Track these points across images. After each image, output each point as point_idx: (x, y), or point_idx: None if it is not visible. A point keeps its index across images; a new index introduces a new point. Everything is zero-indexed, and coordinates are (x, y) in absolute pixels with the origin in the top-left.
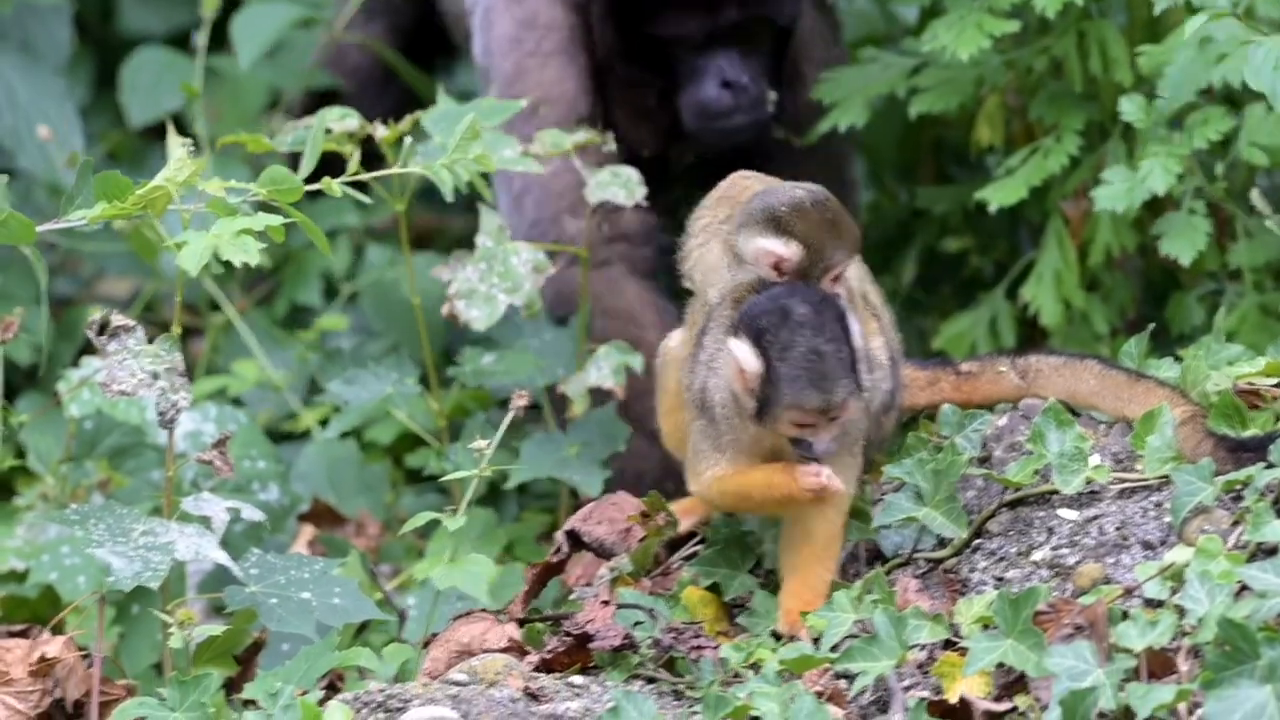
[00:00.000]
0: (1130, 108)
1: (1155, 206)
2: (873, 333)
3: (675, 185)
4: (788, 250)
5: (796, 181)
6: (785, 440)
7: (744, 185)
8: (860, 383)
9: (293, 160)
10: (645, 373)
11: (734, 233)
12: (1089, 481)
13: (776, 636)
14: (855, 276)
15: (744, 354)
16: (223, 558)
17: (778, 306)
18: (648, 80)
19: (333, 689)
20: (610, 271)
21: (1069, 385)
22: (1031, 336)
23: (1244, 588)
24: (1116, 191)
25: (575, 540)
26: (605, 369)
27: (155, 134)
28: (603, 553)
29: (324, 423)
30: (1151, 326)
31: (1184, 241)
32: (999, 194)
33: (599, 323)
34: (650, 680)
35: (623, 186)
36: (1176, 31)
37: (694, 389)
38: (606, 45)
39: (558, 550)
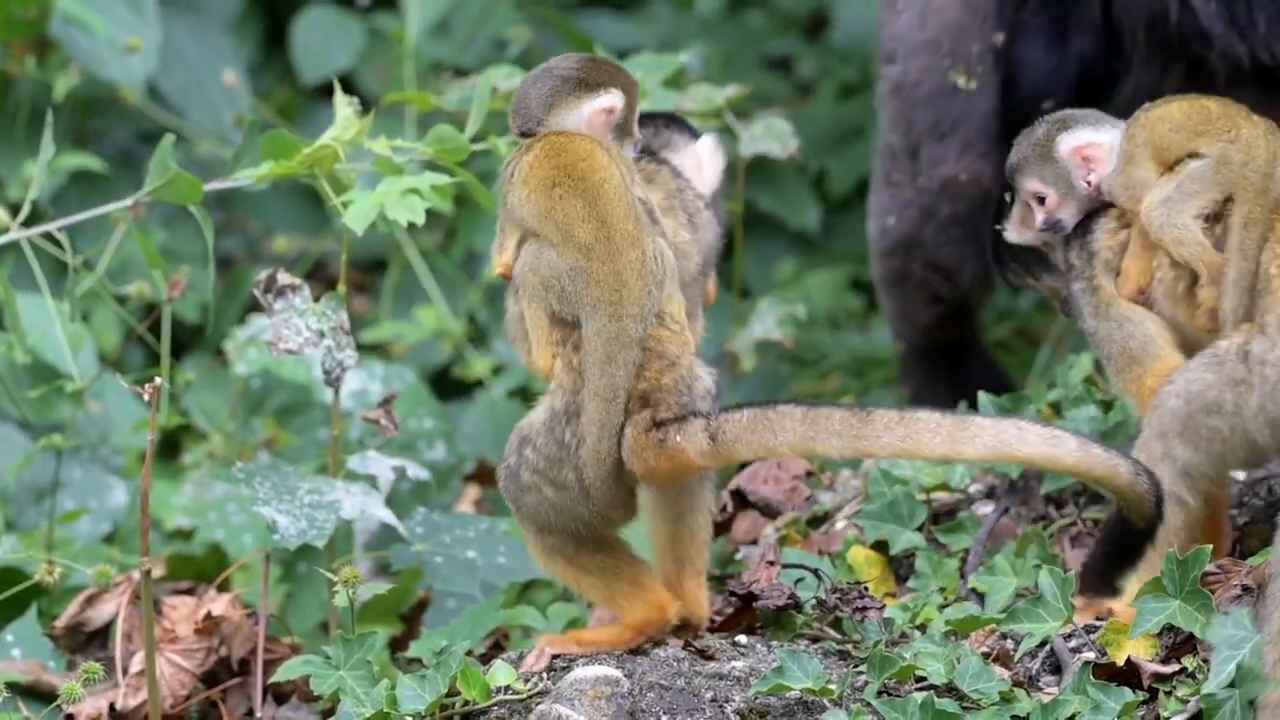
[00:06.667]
0: None
1: None
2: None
3: None
4: (611, 99)
5: None
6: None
7: None
8: None
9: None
10: None
11: (542, 124)
12: None
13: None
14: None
15: None
16: (388, 516)
17: None
18: None
19: (498, 648)
20: None
21: (763, 440)
22: None
23: None
24: None
25: (741, 499)
26: (770, 321)
27: (322, 93)
28: (768, 511)
29: (497, 371)
30: None
31: None
32: None
33: None
34: (815, 640)
35: (776, 139)
36: None
37: None
38: None
39: (724, 509)
